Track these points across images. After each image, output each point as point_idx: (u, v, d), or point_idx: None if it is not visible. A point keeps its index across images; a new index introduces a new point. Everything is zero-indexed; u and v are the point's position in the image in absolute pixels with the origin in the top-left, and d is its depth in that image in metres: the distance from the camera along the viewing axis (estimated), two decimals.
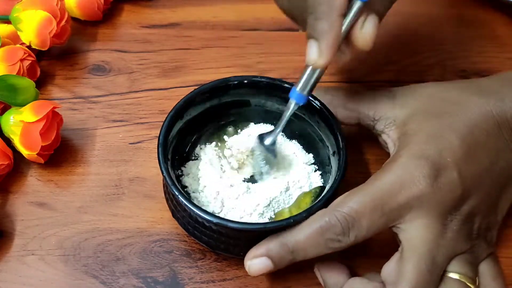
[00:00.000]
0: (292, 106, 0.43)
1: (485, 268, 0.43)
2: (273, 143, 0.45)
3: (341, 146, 0.44)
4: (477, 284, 0.42)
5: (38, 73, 0.55)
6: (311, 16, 0.38)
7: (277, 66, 0.57)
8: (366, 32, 0.39)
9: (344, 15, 0.39)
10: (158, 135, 0.52)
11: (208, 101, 0.48)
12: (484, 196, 0.42)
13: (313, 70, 0.41)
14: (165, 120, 0.45)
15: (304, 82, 0.42)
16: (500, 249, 0.47)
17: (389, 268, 0.41)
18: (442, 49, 0.61)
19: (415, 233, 0.40)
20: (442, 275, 0.41)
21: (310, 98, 0.46)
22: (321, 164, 0.48)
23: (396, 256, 0.41)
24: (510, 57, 0.60)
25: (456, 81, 0.47)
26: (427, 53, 0.60)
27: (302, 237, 0.40)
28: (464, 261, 0.41)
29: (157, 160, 0.43)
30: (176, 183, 0.42)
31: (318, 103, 0.46)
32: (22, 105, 0.49)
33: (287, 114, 0.44)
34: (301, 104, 0.43)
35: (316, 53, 0.39)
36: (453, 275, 0.41)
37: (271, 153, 0.45)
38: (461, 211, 0.41)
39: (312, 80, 0.42)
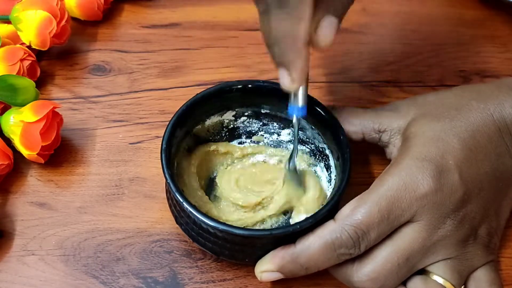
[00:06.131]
0: (296, 122, 0.44)
1: (482, 274, 0.43)
2: (294, 166, 0.45)
3: (345, 152, 0.44)
4: None
5: (38, 73, 0.55)
6: (275, 47, 0.39)
7: None
8: (322, 35, 0.40)
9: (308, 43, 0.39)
10: (158, 135, 0.52)
11: (211, 103, 0.48)
12: (484, 201, 0.42)
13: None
14: (167, 126, 0.44)
15: (298, 94, 0.42)
16: (500, 249, 0.47)
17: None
18: (442, 49, 0.61)
19: (407, 231, 0.40)
20: (426, 274, 0.41)
21: (314, 105, 0.46)
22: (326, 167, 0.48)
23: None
24: (510, 57, 0.60)
25: (455, 87, 0.48)
26: (426, 53, 0.60)
27: (314, 254, 0.40)
28: (451, 268, 0.41)
29: (160, 162, 0.42)
30: (180, 190, 0.42)
31: (321, 110, 0.46)
32: (22, 105, 0.49)
33: (296, 132, 0.44)
34: (303, 115, 0.43)
35: (288, 80, 0.40)
36: (437, 278, 0.41)
37: (296, 177, 0.46)
38: (459, 214, 0.41)
39: (302, 91, 0.42)
